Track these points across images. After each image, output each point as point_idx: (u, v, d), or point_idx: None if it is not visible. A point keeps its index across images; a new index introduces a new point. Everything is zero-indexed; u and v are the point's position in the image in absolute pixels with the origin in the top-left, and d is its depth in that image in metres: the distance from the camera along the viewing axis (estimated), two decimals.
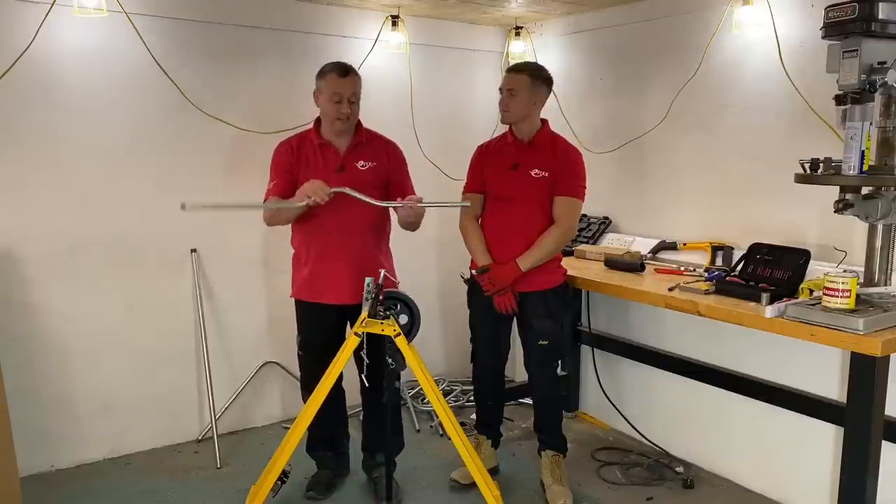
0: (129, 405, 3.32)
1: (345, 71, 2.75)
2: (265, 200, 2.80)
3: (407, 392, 3.91)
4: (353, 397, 3.09)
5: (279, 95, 3.53)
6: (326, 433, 3.01)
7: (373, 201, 2.66)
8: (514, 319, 3.02)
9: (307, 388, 2.90)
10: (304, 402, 2.92)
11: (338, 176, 2.77)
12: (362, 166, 2.84)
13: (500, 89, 2.89)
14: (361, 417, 3.22)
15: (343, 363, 2.58)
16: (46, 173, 3.03)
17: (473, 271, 2.97)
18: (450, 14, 3.87)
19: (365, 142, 2.88)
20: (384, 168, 2.89)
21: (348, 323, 2.88)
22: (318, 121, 2.87)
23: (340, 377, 2.73)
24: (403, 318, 2.64)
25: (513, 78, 2.85)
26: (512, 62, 3.87)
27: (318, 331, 2.90)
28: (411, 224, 2.84)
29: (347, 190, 2.62)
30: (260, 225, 2.91)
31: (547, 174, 2.83)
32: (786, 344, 2.61)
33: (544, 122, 2.94)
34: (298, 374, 3.11)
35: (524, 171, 2.85)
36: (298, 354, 2.99)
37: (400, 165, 2.96)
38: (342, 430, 3.14)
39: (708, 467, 3.24)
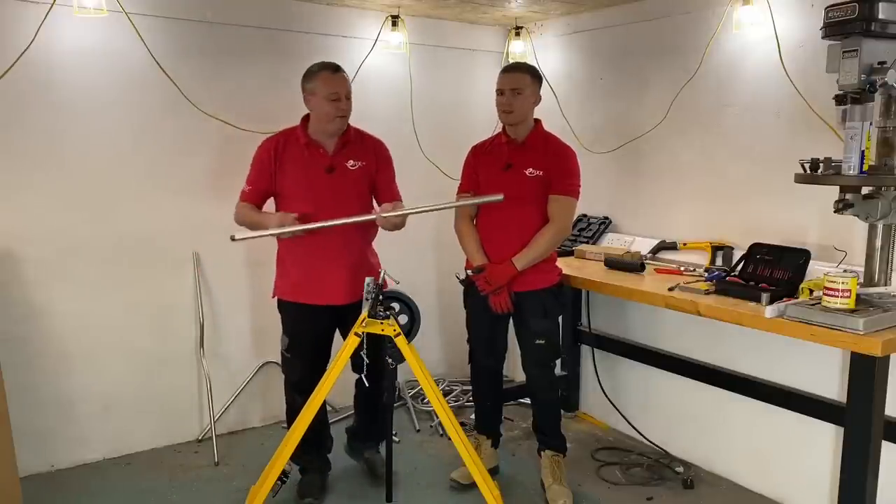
0: (129, 405, 3.32)
1: (336, 68, 2.75)
2: (239, 200, 2.81)
3: (407, 392, 3.91)
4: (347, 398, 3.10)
5: (279, 95, 3.52)
6: (312, 437, 2.83)
7: (350, 220, 2.66)
8: (511, 319, 3.02)
9: (296, 388, 2.86)
10: (289, 404, 2.95)
11: (327, 177, 2.77)
12: (352, 166, 2.82)
13: (499, 90, 2.86)
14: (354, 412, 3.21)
15: (343, 363, 2.58)
16: (47, 173, 3.03)
17: (469, 271, 2.97)
18: (450, 14, 3.87)
19: (353, 140, 2.85)
20: (372, 168, 2.87)
21: (340, 323, 2.89)
22: (304, 120, 2.84)
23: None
24: (403, 318, 2.65)
25: (516, 77, 2.84)
26: (512, 62, 3.86)
27: (309, 331, 2.86)
28: (395, 227, 2.82)
29: (314, 225, 2.62)
30: None
31: (541, 173, 2.83)
32: (786, 344, 2.61)
33: (537, 121, 2.94)
34: None
35: (518, 171, 2.85)
36: (284, 356, 2.93)
37: (387, 166, 2.93)
38: (326, 433, 3.09)
39: (708, 467, 3.24)
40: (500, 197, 2.66)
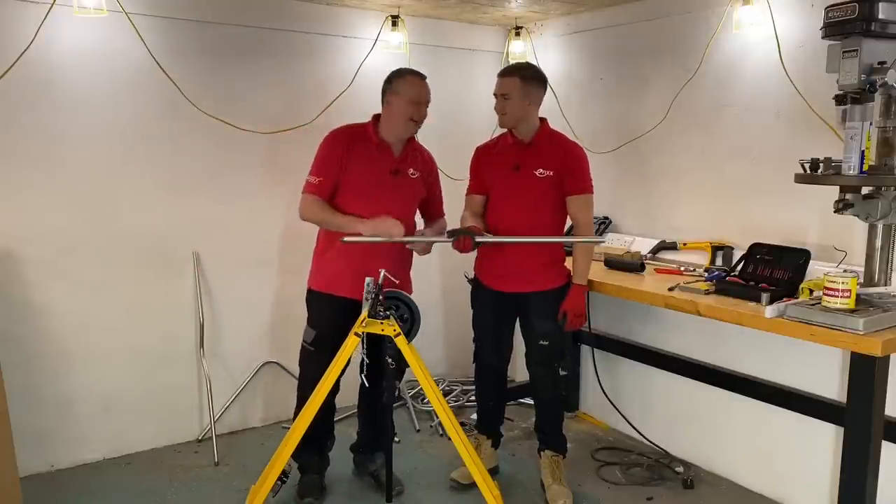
0: (129, 405, 3.32)
1: (423, 75, 2.85)
2: (305, 192, 2.78)
3: (407, 392, 3.91)
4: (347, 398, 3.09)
5: (279, 95, 3.53)
6: (315, 436, 2.83)
7: (435, 239, 2.84)
8: (518, 319, 3.03)
9: (314, 385, 2.68)
10: (300, 400, 2.88)
11: (392, 179, 2.83)
12: (412, 174, 2.90)
13: (494, 94, 2.88)
14: (358, 418, 3.20)
15: (342, 363, 2.58)
16: (46, 173, 3.03)
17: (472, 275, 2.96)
18: (450, 14, 3.87)
19: (415, 150, 2.93)
20: (426, 181, 2.96)
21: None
22: (375, 119, 2.87)
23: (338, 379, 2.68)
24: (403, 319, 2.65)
25: (504, 82, 2.85)
26: (512, 62, 3.87)
27: (338, 325, 2.70)
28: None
29: (410, 238, 2.78)
30: (260, 226, 2.88)
31: (552, 173, 2.83)
32: (786, 344, 2.61)
33: (543, 120, 2.93)
34: (298, 373, 3.06)
35: (527, 172, 2.85)
36: (307, 349, 2.88)
37: (437, 182, 3.05)
38: (330, 434, 3.07)
39: (708, 467, 3.24)
40: (602, 240, 2.78)
